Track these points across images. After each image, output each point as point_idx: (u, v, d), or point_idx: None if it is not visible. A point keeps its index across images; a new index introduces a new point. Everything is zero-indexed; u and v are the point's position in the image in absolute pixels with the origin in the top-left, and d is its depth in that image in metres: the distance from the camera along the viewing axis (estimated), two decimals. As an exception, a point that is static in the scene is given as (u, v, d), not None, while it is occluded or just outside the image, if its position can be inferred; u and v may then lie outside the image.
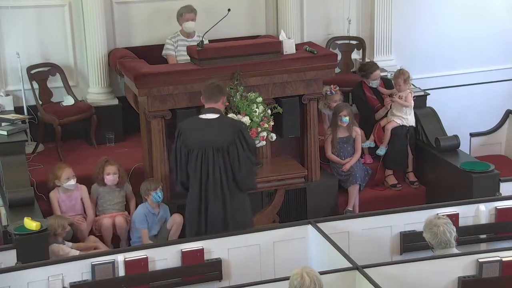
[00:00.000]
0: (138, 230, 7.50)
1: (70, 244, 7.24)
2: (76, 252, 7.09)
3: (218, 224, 6.67)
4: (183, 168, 6.70)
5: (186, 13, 8.86)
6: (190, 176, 6.69)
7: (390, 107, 8.75)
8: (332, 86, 8.78)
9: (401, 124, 8.66)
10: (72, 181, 7.61)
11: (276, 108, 7.68)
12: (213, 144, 6.60)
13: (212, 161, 6.59)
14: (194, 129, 6.70)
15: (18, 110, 8.74)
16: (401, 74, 8.68)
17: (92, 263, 6.18)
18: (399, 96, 8.64)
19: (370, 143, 8.78)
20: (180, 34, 8.94)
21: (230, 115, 7.40)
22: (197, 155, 6.61)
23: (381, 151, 8.71)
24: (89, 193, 7.82)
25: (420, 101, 8.92)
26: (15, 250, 6.58)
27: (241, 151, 6.64)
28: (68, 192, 7.68)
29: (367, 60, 9.94)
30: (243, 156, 6.65)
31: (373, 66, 8.95)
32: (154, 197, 7.47)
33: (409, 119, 8.68)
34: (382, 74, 9.19)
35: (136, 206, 7.77)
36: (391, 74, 9.09)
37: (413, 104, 8.66)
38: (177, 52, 8.86)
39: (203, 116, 6.74)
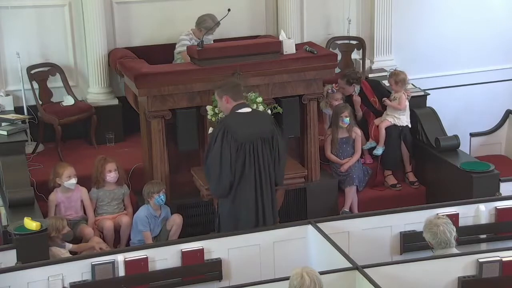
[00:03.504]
0: (140, 233, 7.48)
1: (70, 245, 7.22)
2: None
3: (270, 216, 6.75)
4: (231, 167, 6.61)
5: (216, 27, 8.63)
6: (238, 174, 6.62)
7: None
8: (333, 84, 8.80)
9: (393, 124, 8.65)
10: (73, 180, 7.58)
11: (276, 108, 7.67)
12: (261, 135, 6.66)
13: (262, 153, 6.64)
14: (240, 123, 6.69)
15: (18, 110, 8.74)
16: (393, 75, 8.70)
17: (92, 263, 6.18)
18: (394, 97, 8.63)
19: (371, 143, 8.77)
20: (193, 34, 8.82)
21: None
22: (249, 149, 6.61)
23: (378, 151, 8.69)
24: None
25: (420, 101, 8.92)
26: (15, 250, 6.58)
27: (280, 140, 6.75)
28: (68, 193, 7.64)
29: (367, 61, 9.96)
30: (282, 145, 6.76)
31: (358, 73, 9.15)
32: (157, 200, 7.45)
33: (402, 119, 8.65)
34: (382, 74, 9.32)
35: (133, 205, 7.79)
36: (391, 74, 9.11)
37: (407, 106, 8.63)
38: None
39: (241, 110, 6.75)
